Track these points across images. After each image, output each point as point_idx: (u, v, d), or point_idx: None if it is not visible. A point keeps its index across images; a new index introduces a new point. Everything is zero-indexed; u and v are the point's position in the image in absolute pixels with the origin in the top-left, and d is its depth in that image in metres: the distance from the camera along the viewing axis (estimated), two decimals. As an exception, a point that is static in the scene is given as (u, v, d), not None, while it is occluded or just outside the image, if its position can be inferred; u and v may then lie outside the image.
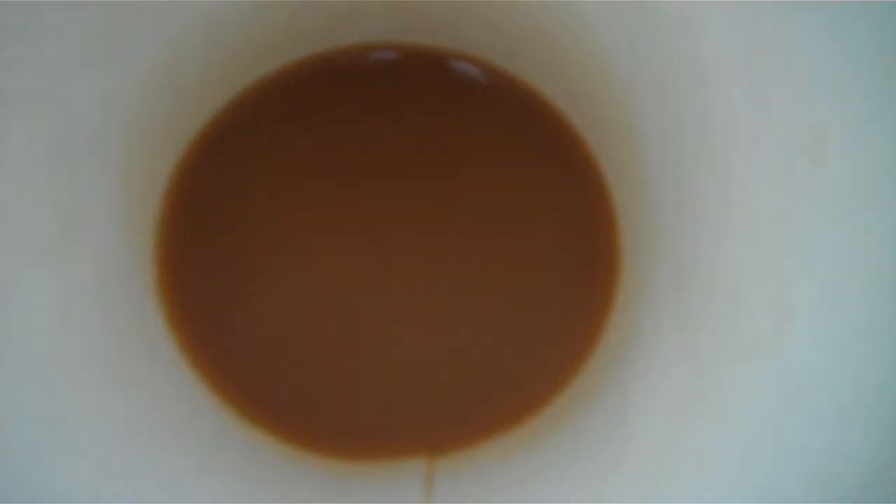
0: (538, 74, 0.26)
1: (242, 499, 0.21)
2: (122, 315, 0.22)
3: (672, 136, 0.21)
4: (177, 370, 0.24)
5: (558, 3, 0.23)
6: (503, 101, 0.26)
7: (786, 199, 0.17)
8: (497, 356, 0.24)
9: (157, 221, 0.25)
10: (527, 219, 0.25)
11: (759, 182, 0.18)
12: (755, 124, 0.18)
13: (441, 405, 0.24)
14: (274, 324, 0.24)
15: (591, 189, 0.25)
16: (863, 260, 0.16)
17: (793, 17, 0.16)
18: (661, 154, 0.22)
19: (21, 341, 0.19)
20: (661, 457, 0.19)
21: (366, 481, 0.23)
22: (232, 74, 0.25)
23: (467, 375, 0.24)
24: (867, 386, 0.16)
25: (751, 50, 0.17)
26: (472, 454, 0.23)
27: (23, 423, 0.18)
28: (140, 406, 0.22)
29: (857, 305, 0.16)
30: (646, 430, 0.20)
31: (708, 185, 0.20)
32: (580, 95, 0.25)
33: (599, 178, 0.25)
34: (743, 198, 0.18)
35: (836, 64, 0.16)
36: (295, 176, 0.25)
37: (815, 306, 0.17)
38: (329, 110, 0.26)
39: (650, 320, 0.22)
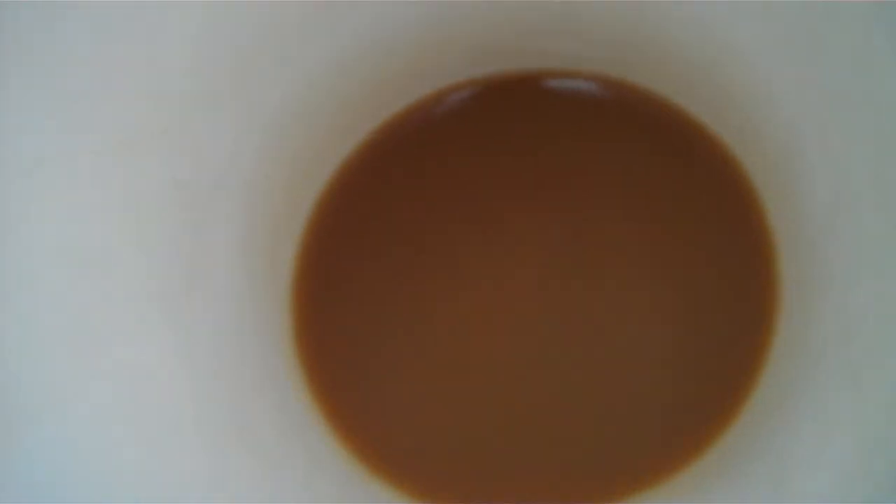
0: (704, 111, 0.24)
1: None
2: (250, 370, 0.22)
3: (841, 177, 0.19)
4: (308, 427, 0.23)
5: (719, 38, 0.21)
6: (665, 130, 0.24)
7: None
8: (644, 411, 0.23)
9: (290, 269, 0.24)
10: (680, 252, 0.23)
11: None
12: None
13: (582, 463, 0.22)
14: (412, 377, 0.23)
15: (751, 228, 0.23)
16: None
17: None
18: (827, 191, 0.20)
19: (139, 397, 0.19)
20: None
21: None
22: (358, 117, 0.25)
23: (610, 432, 0.23)
24: None
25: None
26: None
27: (141, 488, 0.17)
28: (265, 464, 0.21)
29: None
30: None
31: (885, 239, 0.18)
32: (741, 126, 0.23)
33: (760, 210, 0.23)
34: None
35: None
36: (429, 218, 0.24)
37: None
38: (460, 146, 0.25)
39: (810, 370, 0.20)
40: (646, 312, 0.23)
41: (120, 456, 0.17)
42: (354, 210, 0.25)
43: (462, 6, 0.23)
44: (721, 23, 0.21)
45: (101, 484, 0.17)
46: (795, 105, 0.21)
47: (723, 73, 0.22)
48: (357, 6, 0.22)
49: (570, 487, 0.22)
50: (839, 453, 0.18)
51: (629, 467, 0.22)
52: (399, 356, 0.24)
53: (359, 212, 0.25)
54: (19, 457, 0.16)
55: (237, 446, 0.20)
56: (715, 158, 0.24)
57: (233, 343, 0.21)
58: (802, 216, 0.21)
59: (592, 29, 0.23)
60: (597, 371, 0.23)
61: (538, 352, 0.23)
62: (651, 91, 0.24)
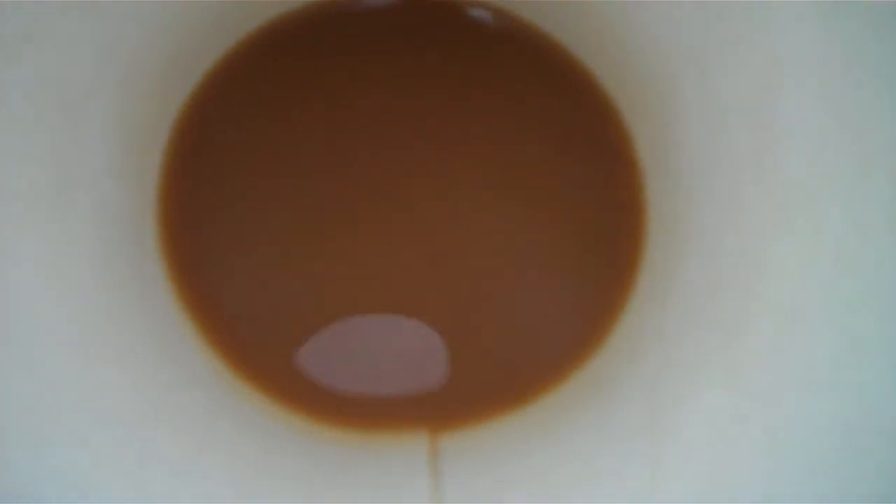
0: (583, 46, 0.24)
1: (241, 468, 0.21)
2: (122, 272, 0.21)
3: (716, 115, 0.20)
4: (177, 332, 0.22)
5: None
6: (521, 50, 0.24)
7: (853, 213, 0.16)
8: (511, 325, 0.23)
9: (159, 174, 0.23)
10: (547, 176, 0.24)
11: (821, 193, 0.16)
12: (825, 133, 0.16)
13: (450, 377, 0.23)
14: (280, 284, 0.23)
15: (619, 148, 0.24)
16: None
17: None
18: (701, 139, 0.20)
19: (12, 305, 0.18)
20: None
21: (368, 453, 0.22)
22: (233, 21, 0.23)
23: (480, 345, 0.23)
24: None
25: (834, 51, 0.16)
26: (480, 431, 0.23)
27: (13, 406, 0.17)
28: (137, 367, 0.20)
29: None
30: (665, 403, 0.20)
31: (754, 185, 0.18)
32: (617, 64, 0.23)
33: (629, 141, 0.24)
34: (795, 200, 0.17)
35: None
36: (299, 125, 0.24)
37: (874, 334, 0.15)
38: (333, 55, 0.24)
39: (676, 289, 0.21)
40: (515, 232, 0.24)
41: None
42: (223, 115, 0.24)
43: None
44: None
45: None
46: (675, 47, 0.21)
47: (605, 10, 0.22)
48: None
49: (429, 404, 0.23)
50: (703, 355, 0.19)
51: (495, 385, 0.23)
52: (262, 259, 0.23)
53: (227, 117, 0.24)
54: None
55: (105, 347, 0.19)
56: (591, 93, 0.24)
57: (106, 247, 0.20)
58: (675, 157, 0.22)
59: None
60: (459, 288, 0.23)
61: (405, 257, 0.23)
62: (535, 25, 0.24)
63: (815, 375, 0.16)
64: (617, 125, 0.24)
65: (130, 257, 0.21)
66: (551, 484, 0.20)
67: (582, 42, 0.24)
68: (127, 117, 0.21)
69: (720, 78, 0.19)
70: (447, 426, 0.23)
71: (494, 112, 0.24)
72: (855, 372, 0.15)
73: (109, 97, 0.21)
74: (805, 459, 0.16)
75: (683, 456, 0.19)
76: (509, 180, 0.24)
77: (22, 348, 0.18)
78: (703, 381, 0.18)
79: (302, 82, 0.24)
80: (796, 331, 0.17)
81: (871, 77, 0.15)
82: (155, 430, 0.19)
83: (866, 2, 0.15)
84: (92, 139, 0.20)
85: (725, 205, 0.19)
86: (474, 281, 0.23)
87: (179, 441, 0.19)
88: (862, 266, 0.15)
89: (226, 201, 0.23)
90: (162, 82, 0.22)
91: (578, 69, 0.24)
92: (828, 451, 0.16)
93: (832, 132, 0.16)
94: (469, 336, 0.23)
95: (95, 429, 0.18)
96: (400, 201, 0.24)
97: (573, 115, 0.24)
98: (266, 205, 0.23)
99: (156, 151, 0.23)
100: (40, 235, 0.19)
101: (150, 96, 0.22)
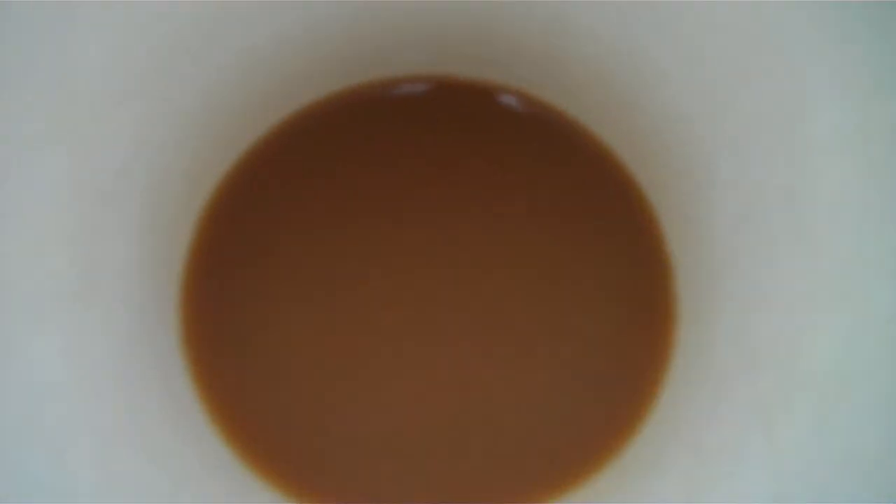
0: (600, 121, 0.24)
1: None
2: (143, 371, 0.21)
3: (750, 195, 0.20)
4: (198, 425, 0.22)
5: (621, 46, 0.22)
6: (549, 135, 0.25)
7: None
8: (542, 415, 0.23)
9: (183, 266, 0.23)
10: (577, 263, 0.24)
11: (863, 271, 0.16)
12: (868, 210, 0.16)
13: (481, 472, 0.23)
14: (300, 375, 0.23)
15: (649, 239, 0.24)
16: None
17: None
18: (732, 219, 0.20)
19: (30, 401, 0.17)
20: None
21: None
22: (262, 112, 0.24)
23: (512, 438, 0.23)
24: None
25: (876, 129, 0.16)
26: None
27: (37, 494, 0.16)
28: (158, 458, 0.20)
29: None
30: None
31: (789, 264, 0.18)
32: (641, 140, 0.23)
33: (658, 230, 0.24)
34: (835, 279, 0.17)
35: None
36: (326, 218, 0.24)
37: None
38: (363, 143, 0.24)
39: (712, 372, 0.21)
40: (545, 318, 0.23)
41: (13, 458, 0.16)
42: (249, 208, 0.24)
43: (376, 6, 0.23)
44: (632, 41, 0.22)
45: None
46: (704, 125, 0.21)
47: (635, 96, 0.23)
48: (264, 5, 0.21)
49: (462, 497, 0.23)
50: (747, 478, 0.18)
51: (523, 478, 0.22)
52: (291, 356, 0.23)
53: (254, 210, 0.24)
54: None
55: (127, 445, 0.19)
56: (619, 177, 0.24)
57: (125, 344, 0.20)
58: (703, 238, 0.22)
59: (511, 44, 0.23)
60: (491, 381, 0.23)
61: (430, 355, 0.23)
62: (561, 110, 0.25)
63: (857, 459, 0.16)
64: (646, 209, 0.24)
65: (153, 349, 0.21)
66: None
67: (607, 124, 0.24)
68: (154, 208, 0.21)
69: (756, 157, 0.19)
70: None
71: (523, 197, 0.24)
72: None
73: (137, 188, 0.21)
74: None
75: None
76: (539, 265, 0.24)
77: (45, 438, 0.17)
78: (741, 466, 0.18)
79: (330, 173, 0.24)
80: (837, 412, 0.16)
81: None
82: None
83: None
84: (118, 230, 0.20)
85: (761, 287, 0.19)
86: (503, 371, 0.23)
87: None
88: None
89: (250, 296, 0.23)
90: (189, 173, 0.23)
91: (604, 152, 0.24)
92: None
93: (874, 209, 0.16)
94: (499, 427, 0.23)
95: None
96: (428, 293, 0.24)
97: (601, 199, 0.24)
98: (290, 302, 0.23)
99: (181, 243, 0.24)
100: (63, 325, 0.19)
101: (177, 187, 0.22)
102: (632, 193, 0.24)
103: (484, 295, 0.23)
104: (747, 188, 0.20)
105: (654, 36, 0.21)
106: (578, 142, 0.25)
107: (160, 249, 0.22)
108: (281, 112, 0.25)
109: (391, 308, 0.23)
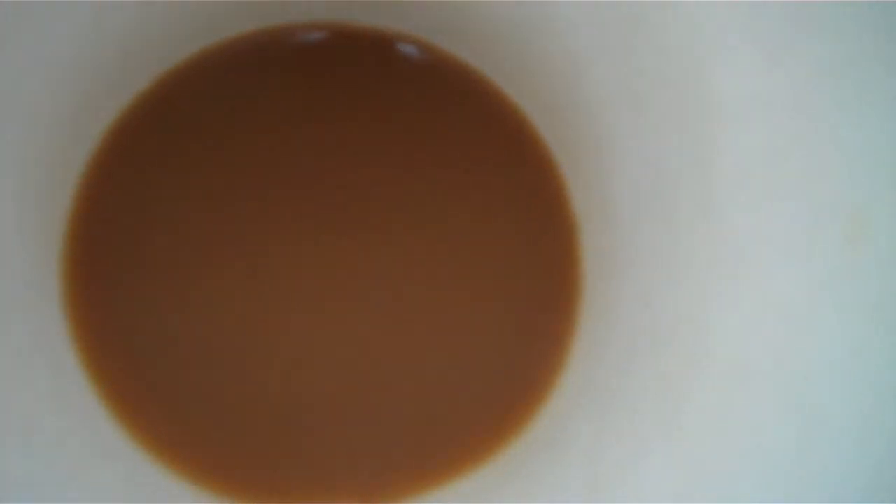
0: (499, 68, 0.23)
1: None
2: (25, 333, 0.19)
3: (655, 162, 0.19)
4: (84, 397, 0.21)
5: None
6: (448, 84, 0.24)
7: (800, 280, 0.15)
8: (444, 387, 0.22)
9: (65, 224, 0.22)
10: (479, 226, 0.23)
11: (767, 247, 0.16)
12: (772, 185, 0.16)
13: (381, 448, 0.22)
14: (193, 348, 0.22)
15: (551, 198, 0.23)
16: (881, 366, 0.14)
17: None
18: (639, 186, 0.20)
19: None
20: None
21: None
22: (150, 58, 0.22)
23: (415, 410, 0.22)
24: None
25: (781, 97, 0.15)
26: (415, 502, 0.21)
27: None
28: (40, 432, 0.19)
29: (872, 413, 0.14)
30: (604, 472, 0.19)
31: (695, 238, 0.18)
32: (546, 98, 0.22)
33: (562, 189, 0.23)
34: (740, 254, 0.16)
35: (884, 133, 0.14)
36: (219, 172, 0.22)
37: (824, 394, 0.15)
38: (256, 98, 0.23)
39: (616, 349, 0.20)
40: (445, 288, 0.22)
41: None
42: (134, 166, 0.22)
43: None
44: (547, 8, 0.21)
45: None
46: (608, 86, 0.20)
47: (538, 46, 0.22)
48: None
49: (358, 485, 0.22)
50: (645, 419, 0.18)
51: (423, 453, 0.22)
52: (174, 320, 0.22)
53: (141, 163, 0.22)
54: None
55: (11, 433, 0.18)
56: (521, 133, 0.23)
57: (3, 307, 0.19)
58: (609, 200, 0.21)
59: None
60: (391, 350, 0.22)
61: (327, 323, 0.22)
62: (462, 60, 0.24)
63: (762, 441, 0.15)
64: (550, 170, 0.23)
65: (35, 317, 0.20)
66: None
67: (512, 77, 0.23)
68: (31, 167, 0.20)
69: (660, 121, 0.19)
70: (381, 497, 0.21)
71: (423, 152, 0.23)
72: (805, 437, 0.15)
73: (11, 147, 0.19)
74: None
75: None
76: (439, 223, 0.23)
77: None
78: (646, 446, 0.17)
79: (220, 127, 0.23)
80: (741, 393, 0.16)
81: (820, 126, 0.15)
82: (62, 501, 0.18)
83: (815, 49, 0.14)
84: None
85: (665, 259, 0.19)
86: (403, 339, 0.22)
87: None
88: (810, 327, 0.15)
89: (136, 263, 0.22)
90: (71, 126, 0.21)
91: (507, 105, 0.23)
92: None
93: (779, 184, 0.15)
94: (402, 400, 0.22)
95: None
96: (324, 255, 0.22)
97: (503, 155, 0.23)
98: (179, 268, 0.22)
99: (60, 207, 0.22)
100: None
101: (55, 143, 0.20)
102: (535, 149, 0.23)
103: (383, 258, 0.22)
104: (651, 150, 0.19)
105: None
106: (479, 92, 0.23)
107: (39, 212, 0.21)
108: (169, 61, 0.23)
109: (286, 272, 0.22)
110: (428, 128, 0.23)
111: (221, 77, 0.23)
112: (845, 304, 0.14)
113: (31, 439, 0.19)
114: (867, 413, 0.14)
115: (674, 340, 0.18)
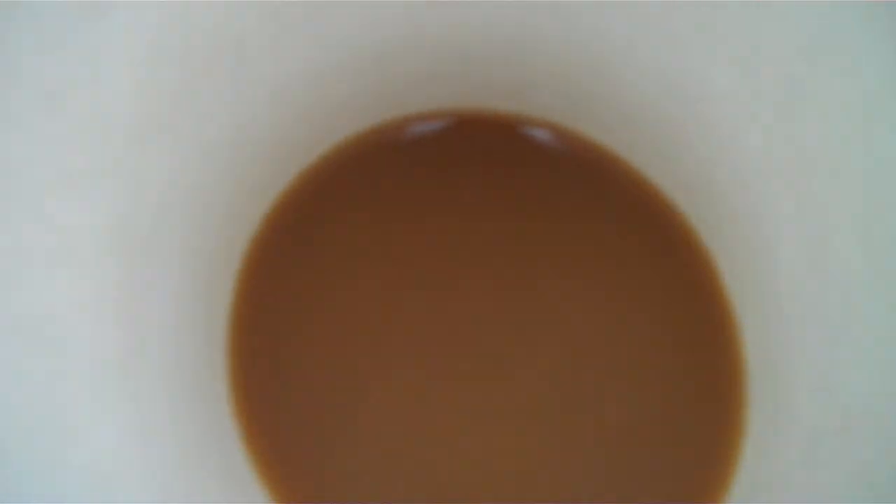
0: (648, 161, 0.23)
1: None
2: (196, 422, 0.19)
3: (817, 239, 0.18)
4: (249, 484, 0.20)
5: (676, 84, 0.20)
6: (584, 171, 0.23)
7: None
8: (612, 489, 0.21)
9: (228, 325, 0.21)
10: (627, 317, 0.22)
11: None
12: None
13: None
14: (355, 441, 0.21)
15: (702, 284, 0.22)
16: None
17: None
18: (796, 255, 0.19)
19: (92, 464, 0.15)
20: None
21: None
22: (296, 150, 0.22)
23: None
24: None
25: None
26: None
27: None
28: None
29: None
30: None
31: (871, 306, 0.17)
32: (696, 188, 0.22)
33: (714, 275, 0.22)
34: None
35: None
36: (364, 265, 0.22)
37: None
38: (386, 186, 0.23)
39: (786, 437, 0.19)
40: (598, 387, 0.22)
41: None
42: (285, 255, 0.22)
43: (414, 39, 0.21)
44: (687, 78, 0.20)
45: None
46: (765, 169, 0.20)
47: (686, 133, 0.21)
48: (298, 38, 0.20)
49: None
50: None
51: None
52: (341, 416, 0.21)
53: (289, 257, 0.22)
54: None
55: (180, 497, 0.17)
56: (664, 216, 0.23)
57: (177, 400, 0.18)
58: (765, 282, 0.20)
59: (555, 80, 0.22)
60: (539, 451, 0.21)
61: (496, 443, 0.21)
62: (608, 148, 0.23)
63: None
64: (699, 253, 0.23)
65: (204, 405, 0.19)
66: None
67: (653, 161, 0.23)
68: (193, 258, 0.20)
69: (821, 210, 0.18)
70: None
71: (567, 242, 0.23)
72: None
73: (174, 239, 0.19)
74: None
75: None
76: (587, 322, 0.22)
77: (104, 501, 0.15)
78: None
79: (362, 216, 0.23)
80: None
81: None
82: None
83: None
84: (159, 285, 0.18)
85: (837, 329, 0.18)
86: (553, 441, 0.21)
87: None
88: None
89: (296, 344, 0.22)
90: (224, 221, 0.21)
91: (648, 187, 0.23)
92: None
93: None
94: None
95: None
96: (479, 353, 0.22)
97: (648, 241, 0.23)
98: (335, 348, 0.22)
99: (224, 296, 0.22)
100: (114, 393, 0.17)
101: (214, 234, 0.20)
102: (682, 236, 0.23)
103: (539, 358, 0.22)
104: (811, 222, 0.18)
105: (706, 59, 0.19)
106: (620, 179, 0.23)
107: (202, 302, 0.21)
108: (307, 156, 0.23)
109: (440, 371, 0.22)
110: (569, 218, 0.23)
111: (358, 170, 0.23)
112: None
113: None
114: None
115: (863, 424, 0.17)
